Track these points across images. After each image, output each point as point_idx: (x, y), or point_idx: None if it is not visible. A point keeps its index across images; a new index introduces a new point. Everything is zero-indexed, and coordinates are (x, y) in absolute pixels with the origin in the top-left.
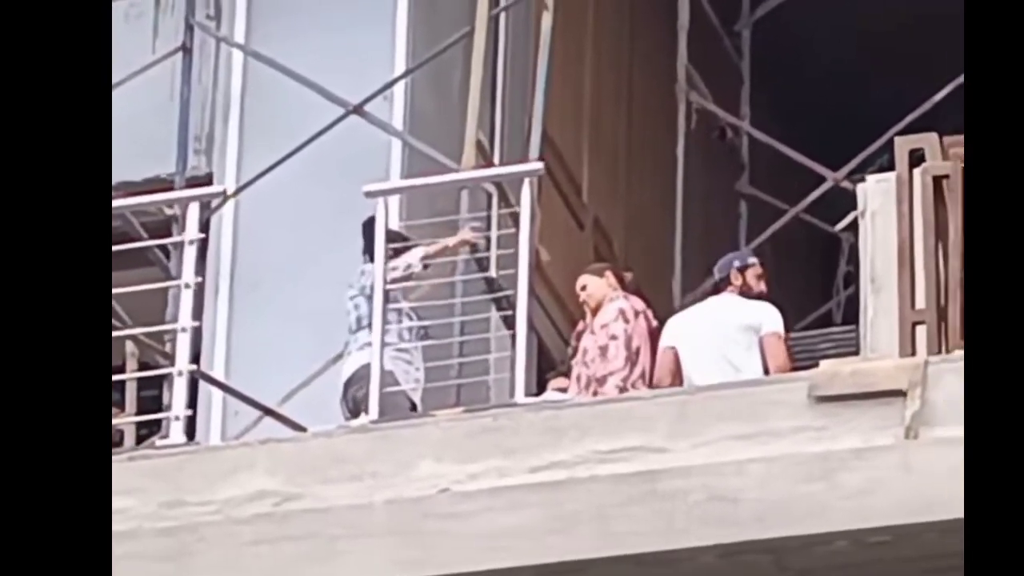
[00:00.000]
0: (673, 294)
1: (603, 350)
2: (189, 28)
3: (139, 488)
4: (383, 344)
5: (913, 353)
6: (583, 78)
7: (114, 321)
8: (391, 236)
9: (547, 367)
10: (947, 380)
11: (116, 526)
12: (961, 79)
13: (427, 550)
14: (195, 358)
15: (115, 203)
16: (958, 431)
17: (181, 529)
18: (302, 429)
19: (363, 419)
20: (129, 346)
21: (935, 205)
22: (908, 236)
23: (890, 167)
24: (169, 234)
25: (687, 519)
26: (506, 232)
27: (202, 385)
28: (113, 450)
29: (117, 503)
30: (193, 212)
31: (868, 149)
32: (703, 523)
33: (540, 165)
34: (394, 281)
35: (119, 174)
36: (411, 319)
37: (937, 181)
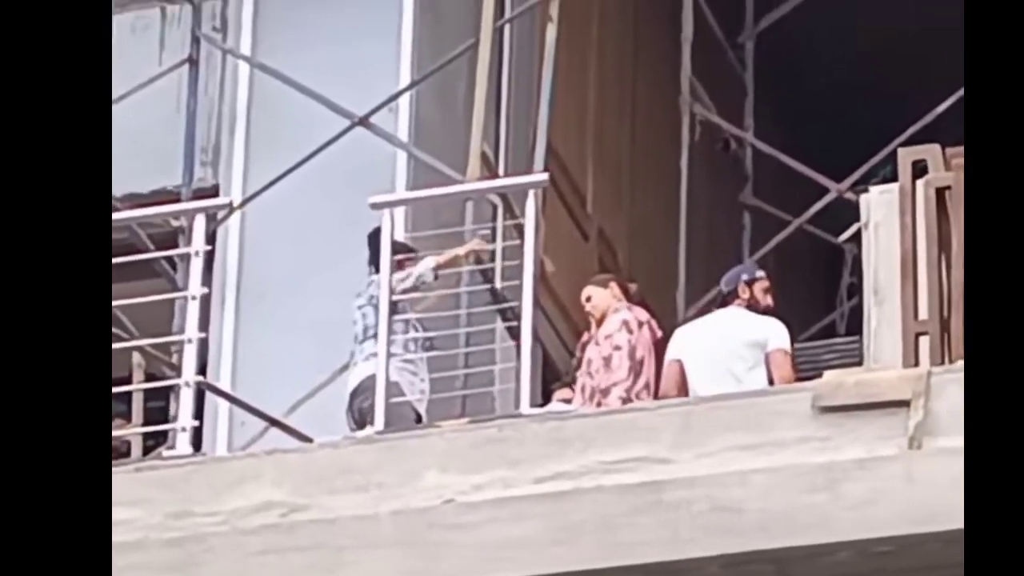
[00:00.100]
0: (677, 305)
1: (607, 361)
2: (195, 40)
3: (145, 499)
4: (389, 355)
5: (916, 364)
6: (587, 90)
7: (121, 332)
8: (396, 247)
9: (552, 378)
10: (950, 390)
11: (122, 537)
12: (961, 92)
13: (432, 560)
14: (201, 369)
15: (122, 215)
16: (961, 441)
17: (187, 540)
18: (308, 440)
19: (369, 430)
20: (136, 357)
21: (938, 216)
22: (911, 247)
23: (893, 178)
24: (175, 246)
25: (691, 529)
26: (511, 243)
27: (208, 396)
28: (119, 461)
29: (123, 514)
30: (199, 224)
31: (871, 161)
32: (707, 533)
33: (545, 176)
34: (404, 291)
35: (126, 186)
36: (417, 330)
37: (940, 192)
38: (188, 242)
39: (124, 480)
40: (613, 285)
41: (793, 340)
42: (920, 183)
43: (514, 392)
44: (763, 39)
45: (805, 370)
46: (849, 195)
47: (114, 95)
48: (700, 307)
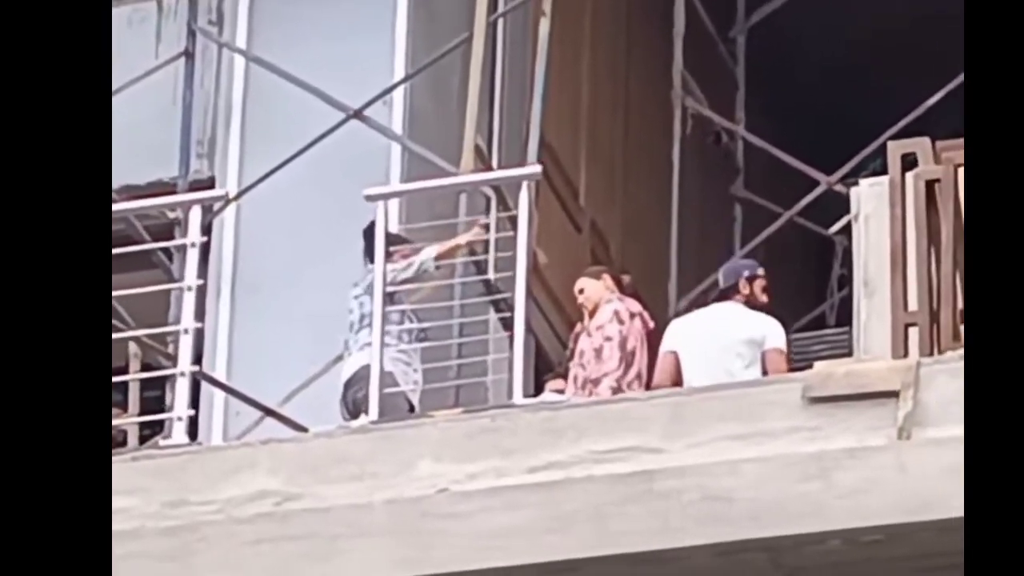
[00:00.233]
0: (669, 296)
1: (598, 351)
2: (191, 33)
3: (142, 488)
4: (383, 345)
5: (906, 355)
6: (580, 84)
7: (117, 323)
8: (391, 239)
9: (545, 368)
10: (939, 381)
11: (119, 525)
12: (953, 84)
13: (426, 549)
14: (197, 359)
15: (118, 206)
16: (950, 431)
17: (183, 528)
18: (303, 429)
19: (363, 420)
20: (132, 347)
21: (927, 209)
22: (901, 239)
23: (883, 171)
24: (171, 237)
25: (682, 518)
26: (504, 235)
27: (204, 386)
28: (116, 450)
29: (120, 503)
30: (195, 215)
31: (861, 153)
32: (698, 522)
33: (538, 169)
34: (406, 281)
35: (122, 178)
36: (412, 321)
37: (929, 185)
38: (184, 233)
39: (121, 469)
40: (606, 277)
41: (784, 331)
42: (910, 176)
43: (507, 382)
44: (754, 33)
45: (796, 361)
46: (839, 188)
47: None
48: (692, 298)
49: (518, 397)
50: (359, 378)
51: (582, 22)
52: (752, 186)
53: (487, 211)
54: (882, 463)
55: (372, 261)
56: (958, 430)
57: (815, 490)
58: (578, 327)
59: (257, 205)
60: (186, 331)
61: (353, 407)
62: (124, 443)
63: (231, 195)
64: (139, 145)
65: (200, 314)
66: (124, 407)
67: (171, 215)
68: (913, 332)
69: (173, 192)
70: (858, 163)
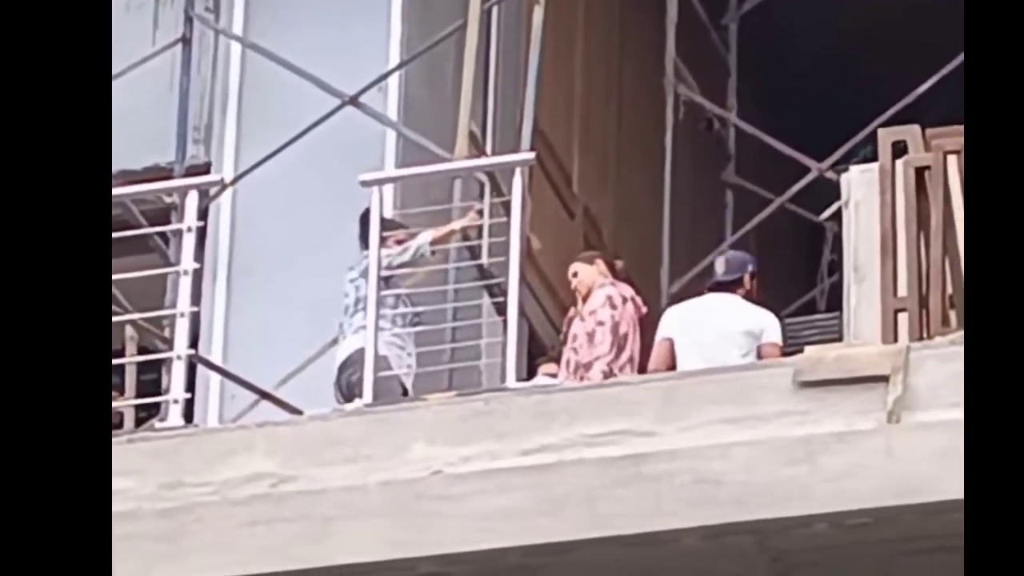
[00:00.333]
0: (661, 282)
1: (590, 336)
2: (188, 20)
3: (138, 469)
4: (378, 328)
5: (895, 340)
6: (574, 71)
7: (114, 306)
8: (386, 224)
9: (537, 352)
10: (928, 366)
11: (116, 507)
12: (943, 72)
13: (420, 531)
14: (193, 343)
15: (115, 191)
16: (939, 416)
17: (179, 510)
18: (298, 412)
19: (358, 403)
20: (129, 331)
21: (917, 195)
22: (891, 226)
23: (873, 158)
24: (168, 221)
25: (673, 501)
26: (498, 221)
27: (200, 369)
28: (113, 432)
29: (117, 484)
30: (192, 200)
31: (852, 140)
32: (688, 505)
33: (531, 155)
34: (402, 265)
35: (120, 163)
36: (406, 305)
37: (919, 172)
38: (181, 218)
39: (117, 451)
40: (599, 262)
41: (775, 316)
42: (900, 163)
43: (500, 366)
44: (746, 21)
45: (786, 346)
46: (830, 174)
47: None
48: (684, 283)
49: (511, 381)
50: (353, 361)
51: (576, 9)
52: (743, 173)
53: (481, 197)
54: (871, 447)
55: (367, 246)
56: (947, 414)
57: (804, 473)
58: (571, 312)
59: (253, 190)
60: (182, 315)
61: (347, 390)
62: (121, 425)
63: (227, 180)
64: (136, 130)
65: (196, 298)
66: (121, 390)
67: (168, 200)
68: (903, 317)
69: (170, 177)
70: (848, 150)
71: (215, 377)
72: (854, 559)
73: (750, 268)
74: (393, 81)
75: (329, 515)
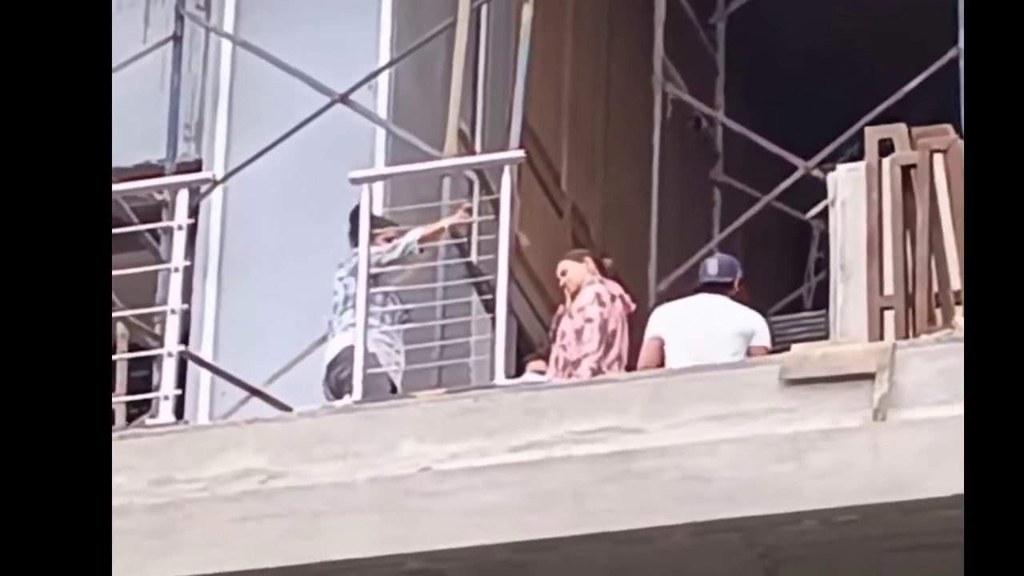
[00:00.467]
0: (648, 279)
1: (579, 333)
2: (180, 18)
3: (129, 466)
4: (367, 326)
5: (881, 337)
6: (562, 69)
7: None
8: (376, 222)
9: (526, 350)
10: (914, 364)
11: None
12: (929, 71)
13: (408, 527)
14: (184, 339)
15: None
16: (925, 413)
17: (169, 506)
18: (288, 409)
19: (347, 400)
20: (120, 327)
21: (903, 194)
22: (877, 224)
23: (860, 157)
24: (159, 219)
25: (661, 498)
26: (486, 218)
27: (190, 366)
28: None
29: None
30: (183, 198)
31: (839, 139)
32: (676, 502)
33: (520, 153)
34: (391, 263)
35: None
36: (395, 302)
37: (905, 170)
38: (171, 215)
39: None
40: (588, 260)
41: (761, 314)
42: (886, 161)
43: (489, 363)
44: (734, 20)
45: (773, 343)
46: (817, 173)
47: None
48: (671, 281)
49: (500, 378)
50: (342, 359)
51: (565, 8)
52: (731, 171)
53: (470, 195)
54: (857, 444)
55: (357, 243)
56: (933, 412)
57: (791, 471)
58: (560, 309)
59: (244, 188)
60: (173, 312)
61: (336, 387)
62: (112, 422)
63: (218, 178)
64: (127, 128)
65: (187, 295)
66: (112, 386)
67: (159, 197)
68: (889, 315)
69: (161, 174)
70: (835, 149)
71: (205, 374)
72: (841, 556)
73: (739, 273)
74: (383, 79)
75: (318, 511)
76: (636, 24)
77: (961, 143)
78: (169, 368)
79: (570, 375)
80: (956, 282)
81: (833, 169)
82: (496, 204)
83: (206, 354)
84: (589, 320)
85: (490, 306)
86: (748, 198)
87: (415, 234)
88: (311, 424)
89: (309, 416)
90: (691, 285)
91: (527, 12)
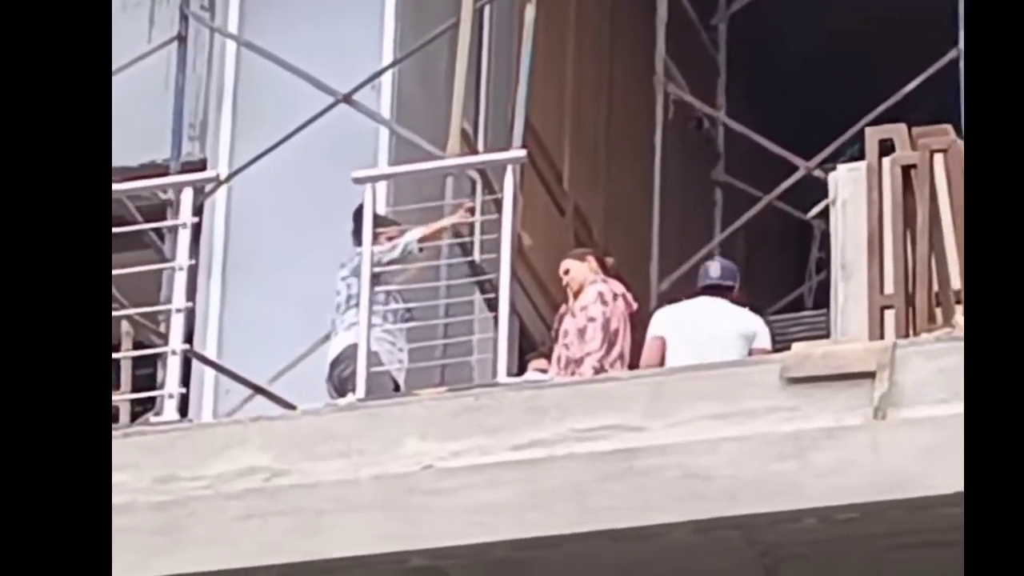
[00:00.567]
0: (650, 278)
1: (581, 332)
2: (184, 18)
3: (133, 463)
4: (370, 325)
5: (882, 336)
6: (565, 70)
7: None
8: (379, 221)
9: (528, 348)
10: (914, 363)
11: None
12: (929, 72)
13: (411, 524)
14: (188, 338)
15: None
16: (925, 412)
17: (173, 504)
18: (292, 407)
19: (351, 398)
20: (124, 326)
21: (904, 194)
22: (877, 224)
23: (860, 157)
24: (164, 218)
25: (662, 496)
26: (489, 218)
27: (195, 364)
28: None
29: (112, 478)
30: (187, 197)
31: (839, 139)
32: (678, 500)
33: (523, 153)
34: (392, 262)
35: (115, 159)
36: (397, 301)
37: (906, 170)
38: (176, 214)
39: (113, 445)
40: (590, 259)
41: (762, 313)
42: (887, 161)
43: (491, 362)
44: (735, 21)
45: (774, 342)
46: (818, 173)
47: None
48: (673, 280)
49: (502, 376)
50: (345, 357)
51: (567, 9)
52: (732, 171)
53: (473, 194)
54: (858, 443)
55: (361, 242)
56: (933, 411)
57: (792, 469)
58: (562, 308)
59: (248, 187)
60: (177, 310)
61: (339, 385)
62: (116, 420)
63: (222, 177)
64: (132, 127)
65: (191, 294)
66: (116, 385)
67: (163, 196)
68: (889, 314)
69: (165, 174)
70: (836, 149)
71: (209, 372)
72: (842, 554)
73: (737, 278)
74: (386, 79)
75: (322, 509)
76: (638, 25)
77: (961, 143)
78: (173, 366)
79: (573, 373)
80: (956, 281)
81: (834, 169)
82: (499, 203)
83: (210, 352)
84: (592, 319)
85: (493, 305)
86: (749, 198)
87: (414, 234)
88: (315, 422)
89: (313, 414)
90: (693, 284)
91: (530, 12)
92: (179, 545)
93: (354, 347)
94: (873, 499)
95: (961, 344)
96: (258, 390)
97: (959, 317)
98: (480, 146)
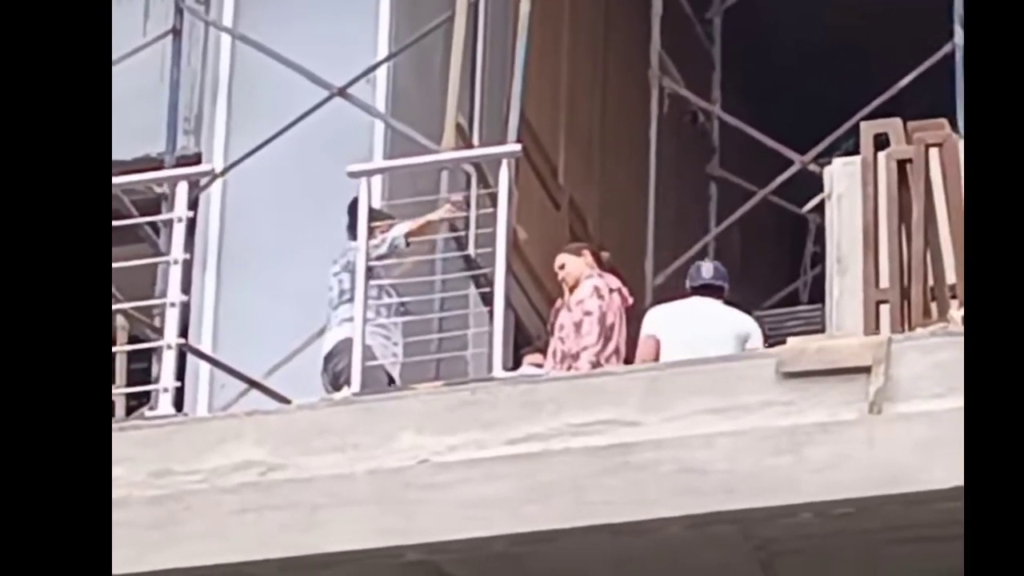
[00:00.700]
0: (645, 273)
1: (577, 326)
2: (179, 12)
3: (129, 457)
4: (365, 319)
5: (877, 331)
6: (560, 64)
7: None
8: (374, 215)
9: (523, 342)
10: (910, 357)
11: None
12: (924, 66)
13: (407, 519)
14: (183, 332)
15: None
16: (920, 407)
17: (169, 498)
18: (287, 401)
19: (346, 392)
20: (119, 320)
21: (899, 188)
22: (873, 218)
23: (856, 151)
24: (159, 212)
25: (658, 490)
26: (484, 212)
27: (190, 358)
28: None
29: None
30: (182, 190)
31: (835, 133)
32: (673, 494)
33: (518, 147)
34: (379, 258)
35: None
36: (390, 295)
37: (901, 165)
38: (171, 208)
39: None
40: (586, 253)
41: (758, 308)
42: (882, 156)
43: (487, 356)
44: (730, 15)
45: (769, 337)
46: (813, 167)
47: None
48: (668, 274)
49: (498, 371)
50: (338, 351)
51: (562, 3)
52: (727, 165)
53: (468, 188)
54: (853, 437)
55: (354, 236)
56: (928, 405)
57: (788, 463)
58: (558, 302)
59: (243, 181)
60: (172, 304)
61: (333, 379)
62: (112, 414)
63: (217, 171)
64: (127, 121)
65: (186, 288)
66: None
67: (158, 190)
68: (884, 309)
69: (160, 167)
70: (831, 143)
71: (205, 366)
72: (837, 548)
73: (728, 280)
74: (381, 73)
75: (317, 503)
76: (633, 19)
77: (956, 137)
78: (168, 360)
79: (569, 368)
80: (951, 276)
81: (829, 163)
82: (494, 197)
83: (205, 346)
84: (588, 313)
85: (488, 299)
86: (744, 192)
87: (400, 229)
88: (310, 416)
89: (308, 408)
90: (686, 286)
91: (525, 6)
92: (174, 539)
93: (347, 341)
94: (869, 494)
95: (956, 339)
96: (253, 384)
97: (954, 312)
98: (475, 140)
